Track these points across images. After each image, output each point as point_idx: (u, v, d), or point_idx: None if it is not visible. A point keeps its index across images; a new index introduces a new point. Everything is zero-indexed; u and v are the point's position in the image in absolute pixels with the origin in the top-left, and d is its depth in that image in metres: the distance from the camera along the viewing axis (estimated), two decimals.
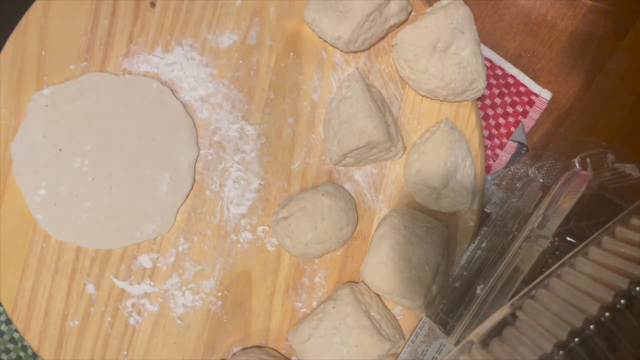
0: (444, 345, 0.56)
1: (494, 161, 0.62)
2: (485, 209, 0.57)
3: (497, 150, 0.62)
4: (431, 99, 0.57)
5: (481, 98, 0.62)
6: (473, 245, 0.53)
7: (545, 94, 0.63)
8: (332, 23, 0.53)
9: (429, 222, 0.54)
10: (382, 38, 0.57)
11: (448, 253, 0.56)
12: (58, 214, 0.54)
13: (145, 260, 0.55)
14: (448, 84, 0.53)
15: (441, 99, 0.56)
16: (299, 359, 0.53)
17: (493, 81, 0.63)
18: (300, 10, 0.57)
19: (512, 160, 0.62)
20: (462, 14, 0.52)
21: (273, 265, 0.56)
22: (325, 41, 0.56)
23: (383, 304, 0.55)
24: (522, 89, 0.63)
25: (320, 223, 0.52)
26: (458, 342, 0.47)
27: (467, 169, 0.55)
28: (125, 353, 0.54)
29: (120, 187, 0.55)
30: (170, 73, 0.56)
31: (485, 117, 0.62)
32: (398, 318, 0.56)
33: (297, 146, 0.57)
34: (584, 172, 0.49)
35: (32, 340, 0.54)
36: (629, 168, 0.48)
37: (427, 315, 0.52)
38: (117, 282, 0.55)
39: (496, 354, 0.39)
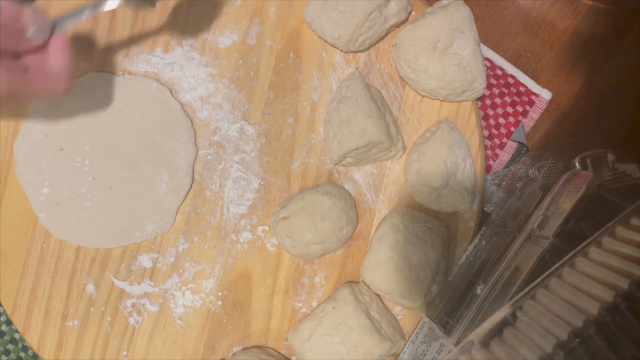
0: (444, 346, 0.56)
1: (494, 161, 0.62)
2: (485, 209, 0.57)
3: (497, 150, 0.62)
4: (431, 99, 0.57)
5: (481, 98, 0.62)
6: (473, 245, 0.53)
7: (545, 94, 0.63)
8: (332, 23, 0.53)
9: (429, 222, 0.54)
10: (382, 38, 0.57)
11: (448, 253, 0.56)
12: (60, 213, 0.54)
13: (145, 260, 0.55)
14: (448, 84, 0.53)
15: (441, 99, 0.56)
16: (299, 359, 0.53)
17: (493, 81, 0.63)
18: (300, 10, 0.57)
19: (512, 160, 0.62)
20: (462, 14, 0.53)
21: (273, 265, 0.56)
22: (325, 41, 0.56)
23: (383, 304, 0.55)
24: (522, 89, 0.63)
25: (320, 223, 0.52)
26: (458, 342, 0.47)
27: (467, 169, 0.55)
28: (125, 353, 0.54)
29: (120, 186, 0.55)
30: (170, 73, 0.56)
31: (485, 117, 0.62)
32: (398, 318, 0.56)
33: (297, 146, 0.57)
34: (584, 172, 0.49)
35: (32, 340, 0.54)
36: (629, 168, 0.48)
37: (427, 315, 0.52)
38: (117, 282, 0.55)
39: (496, 354, 0.39)
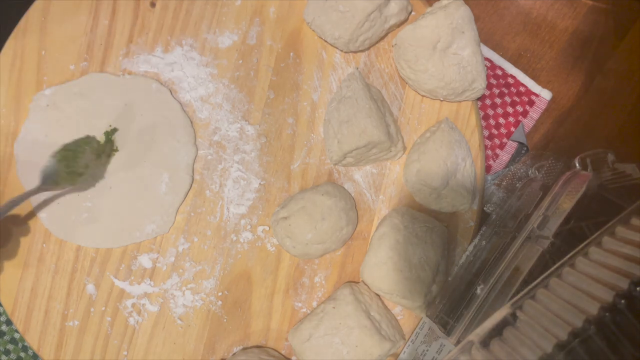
0: (444, 346, 0.56)
1: (494, 161, 0.62)
2: (485, 209, 0.57)
3: (497, 150, 0.62)
4: (431, 99, 0.57)
5: (481, 98, 0.62)
6: (473, 245, 0.53)
7: (545, 94, 0.63)
8: (332, 23, 0.53)
9: (429, 222, 0.54)
10: (382, 38, 0.57)
11: (448, 253, 0.56)
12: (60, 212, 0.54)
13: (145, 260, 0.55)
14: (448, 84, 0.53)
15: (441, 99, 0.56)
16: (299, 359, 0.53)
17: (493, 81, 0.63)
18: (300, 10, 0.57)
19: (512, 160, 0.62)
20: (462, 14, 0.52)
21: (273, 265, 0.56)
22: (325, 41, 0.56)
23: (383, 304, 0.55)
24: (522, 89, 0.63)
25: (320, 223, 0.52)
26: (458, 342, 0.47)
27: (467, 169, 0.55)
28: (125, 353, 0.54)
29: (120, 186, 0.55)
30: (170, 73, 0.56)
31: (485, 117, 0.62)
32: (398, 318, 0.56)
33: (297, 146, 0.57)
34: (584, 172, 0.49)
35: (32, 340, 0.54)
36: (629, 168, 0.48)
37: (427, 315, 0.52)
38: (117, 282, 0.55)
39: (496, 354, 0.39)
